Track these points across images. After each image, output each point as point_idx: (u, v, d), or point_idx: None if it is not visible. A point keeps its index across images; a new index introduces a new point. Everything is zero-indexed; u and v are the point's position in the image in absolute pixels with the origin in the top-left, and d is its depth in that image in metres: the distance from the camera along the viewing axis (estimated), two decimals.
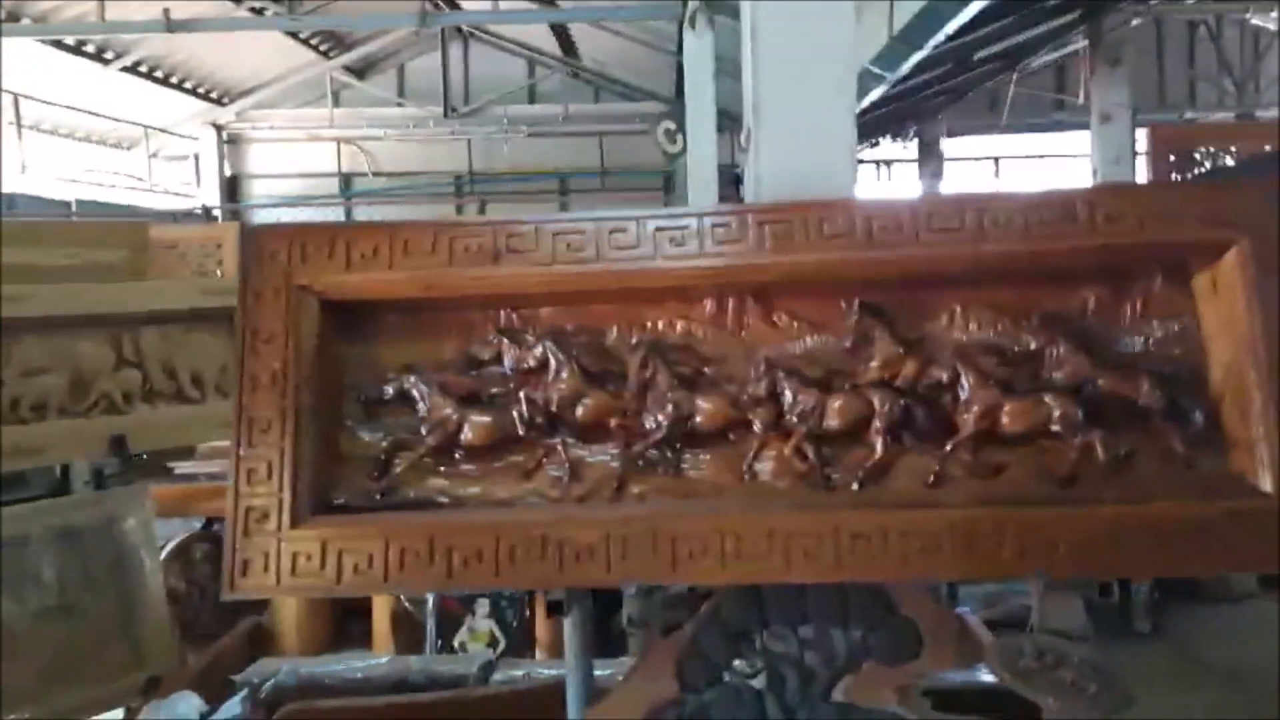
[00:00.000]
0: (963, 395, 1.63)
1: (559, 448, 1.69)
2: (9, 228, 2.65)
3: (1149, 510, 1.53)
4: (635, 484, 1.68)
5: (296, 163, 14.73)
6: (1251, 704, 2.73)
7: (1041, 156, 14.95)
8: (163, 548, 3.36)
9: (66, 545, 2.48)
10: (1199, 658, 3.30)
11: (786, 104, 1.88)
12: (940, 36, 5.13)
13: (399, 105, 14.61)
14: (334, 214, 14.27)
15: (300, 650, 4.09)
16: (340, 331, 1.73)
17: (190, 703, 2.67)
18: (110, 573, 2.56)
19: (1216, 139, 6.47)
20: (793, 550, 1.55)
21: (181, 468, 4.23)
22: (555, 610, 3.34)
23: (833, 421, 1.65)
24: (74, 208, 11.31)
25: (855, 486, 1.64)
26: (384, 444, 1.71)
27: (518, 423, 1.69)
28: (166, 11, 9.00)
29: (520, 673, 2.60)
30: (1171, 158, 6.34)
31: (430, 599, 3.89)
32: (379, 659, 2.97)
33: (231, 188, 14.70)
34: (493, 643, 3.89)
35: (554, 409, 1.69)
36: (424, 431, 1.70)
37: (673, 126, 9.07)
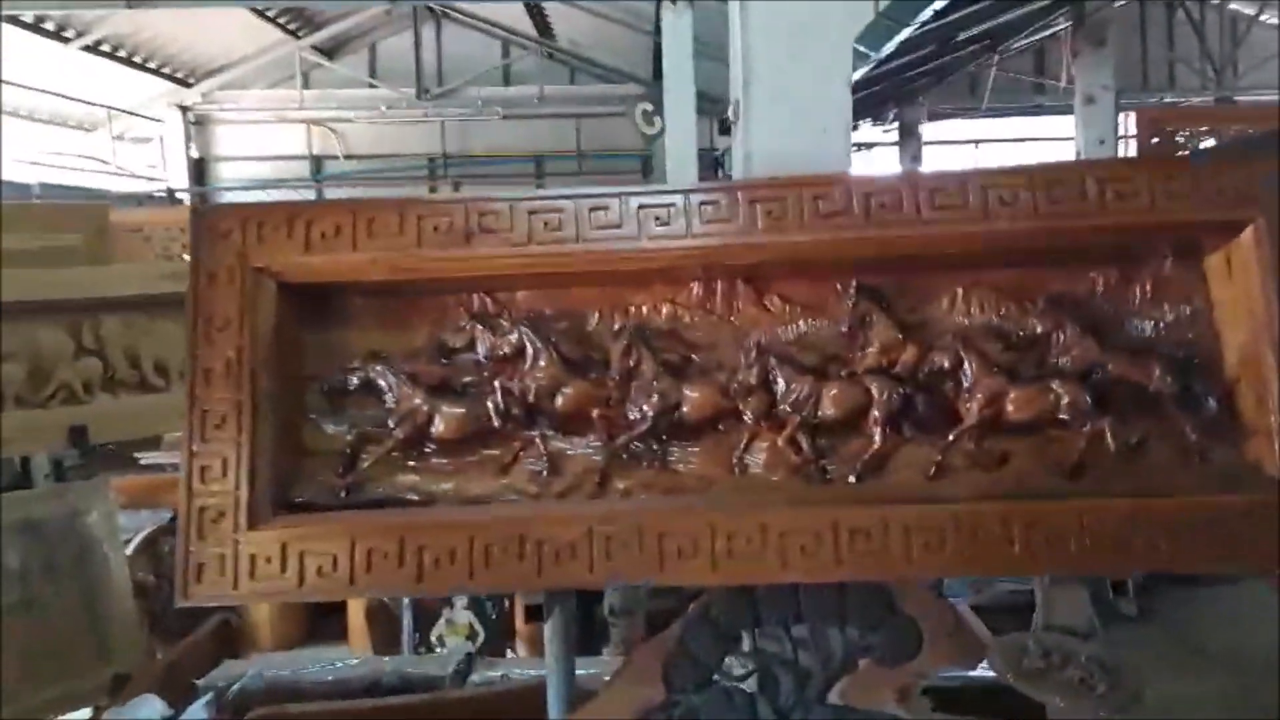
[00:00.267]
0: (965, 382, 1.58)
1: (537, 440, 1.63)
2: None
3: (1162, 503, 1.47)
4: (619, 478, 1.62)
5: (266, 145, 14.46)
6: (1251, 692, 2.70)
7: (1021, 140, 14.99)
8: (130, 540, 3.27)
9: (29, 539, 2.43)
10: (1190, 642, 3.27)
11: (779, 75, 1.82)
12: (927, 13, 5.08)
13: (371, 86, 14.37)
14: (305, 197, 14.01)
15: (273, 646, 4.05)
16: (301, 317, 1.65)
17: (153, 706, 2.57)
18: (74, 568, 2.51)
19: (1204, 122, 6.52)
20: (788, 547, 1.49)
21: (148, 458, 4.15)
22: (535, 616, 3.25)
23: (828, 411, 1.59)
24: (36, 191, 11.02)
25: (853, 479, 1.59)
26: (349, 437, 1.65)
27: (493, 414, 1.63)
28: None
29: (498, 674, 2.53)
30: (1154, 141, 6.39)
31: None
32: (351, 659, 2.88)
33: (199, 171, 14.41)
34: (472, 635, 3.82)
35: (531, 399, 1.63)
36: (392, 424, 1.64)
37: (650, 108, 9.00)
